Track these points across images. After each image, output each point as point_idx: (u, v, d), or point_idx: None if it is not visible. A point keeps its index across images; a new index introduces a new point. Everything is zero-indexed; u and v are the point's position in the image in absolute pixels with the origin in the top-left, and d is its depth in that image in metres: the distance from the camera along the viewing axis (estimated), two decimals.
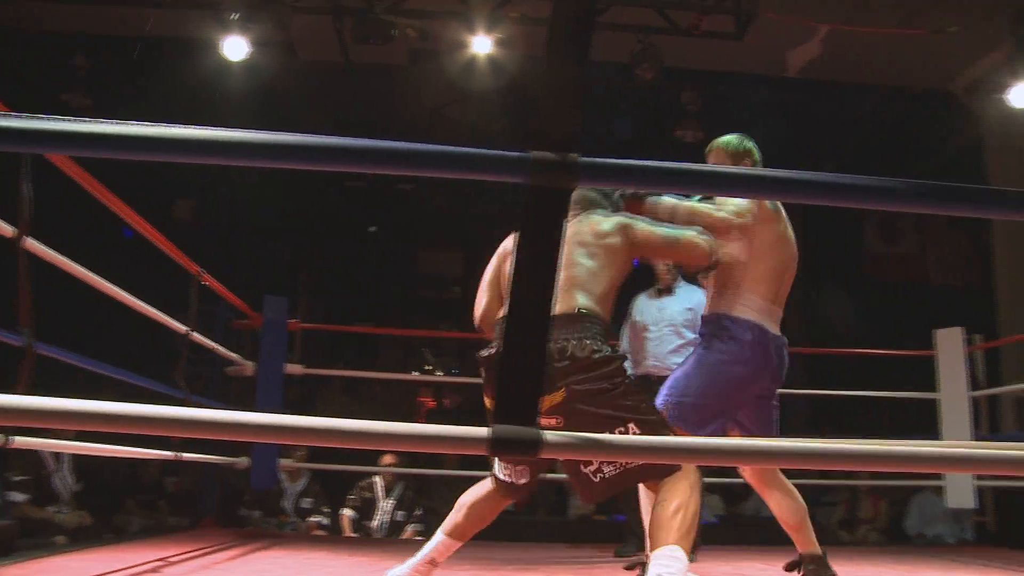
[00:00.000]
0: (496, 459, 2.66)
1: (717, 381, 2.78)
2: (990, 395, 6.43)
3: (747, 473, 2.98)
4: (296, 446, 5.55)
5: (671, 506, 2.38)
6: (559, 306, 2.49)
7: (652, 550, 2.36)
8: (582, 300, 2.56)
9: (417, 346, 10.50)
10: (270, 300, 5.22)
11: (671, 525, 2.35)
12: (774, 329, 2.85)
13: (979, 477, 5.54)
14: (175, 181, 8.95)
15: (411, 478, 6.38)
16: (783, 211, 2.88)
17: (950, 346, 5.72)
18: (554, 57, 1.27)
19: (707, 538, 4.84)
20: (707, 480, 6.16)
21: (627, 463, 2.43)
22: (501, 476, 2.66)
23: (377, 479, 6.20)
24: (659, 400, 2.80)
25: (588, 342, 2.45)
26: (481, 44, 6.57)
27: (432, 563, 2.71)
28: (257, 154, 1.15)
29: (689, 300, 4.43)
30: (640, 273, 3.61)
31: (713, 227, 2.73)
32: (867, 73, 7.76)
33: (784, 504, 2.84)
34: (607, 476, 2.44)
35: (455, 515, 2.74)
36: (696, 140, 7.19)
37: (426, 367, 10.43)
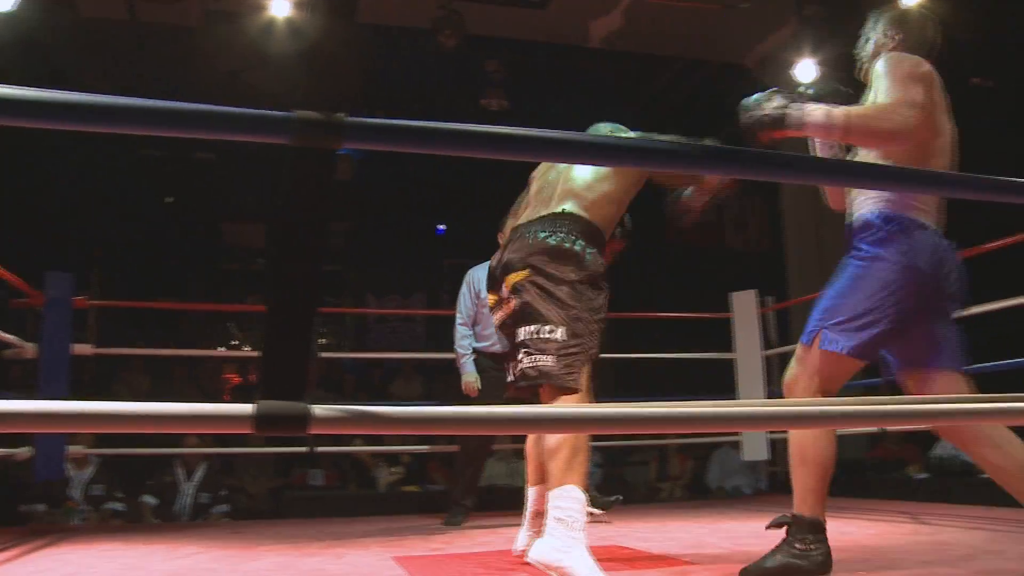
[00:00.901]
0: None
1: (876, 292, 2.39)
2: (781, 353, 6.85)
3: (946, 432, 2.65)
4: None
5: (563, 446, 2.50)
6: (545, 211, 2.80)
7: (548, 489, 2.50)
8: (567, 205, 2.77)
9: (223, 321, 10.14)
10: (52, 277, 4.86)
11: (565, 465, 2.49)
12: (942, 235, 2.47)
13: (772, 431, 5.90)
14: None
15: (215, 458, 6.15)
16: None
17: (744, 308, 6.03)
18: (321, 13, 1.21)
19: (521, 502, 4.91)
20: (520, 446, 6.25)
21: (534, 378, 2.61)
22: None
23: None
24: (811, 323, 2.48)
25: (561, 235, 2.67)
26: (280, 6, 6.32)
27: (540, 515, 2.79)
28: None
29: None
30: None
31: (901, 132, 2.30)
32: (667, 45, 8.02)
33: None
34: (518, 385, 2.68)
35: (530, 464, 2.98)
36: (501, 108, 7.22)
37: (233, 342, 10.09)
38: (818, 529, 2.45)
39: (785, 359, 7.53)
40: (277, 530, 4.55)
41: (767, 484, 6.79)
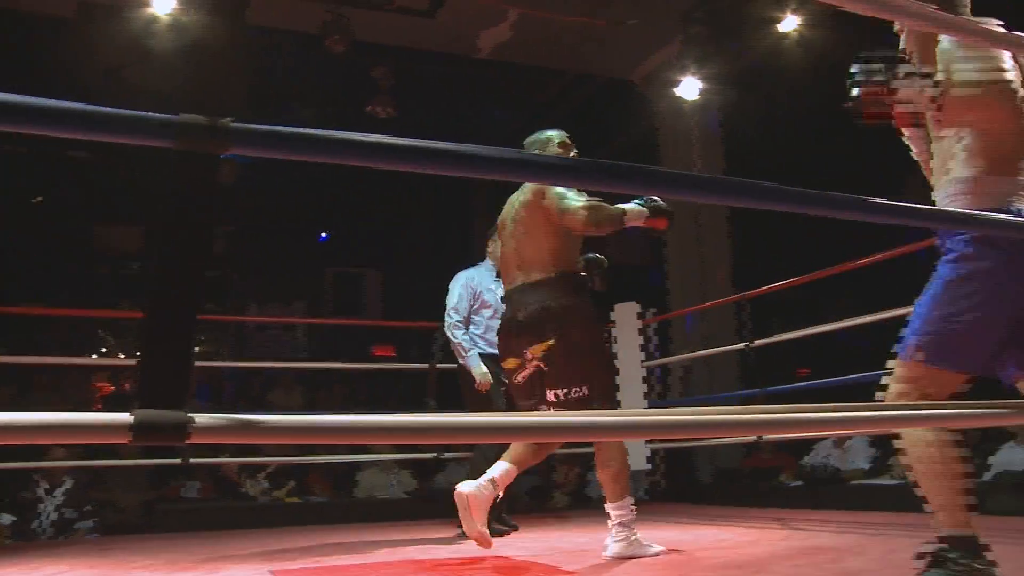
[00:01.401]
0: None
1: (962, 302, 2.07)
2: (662, 364, 7.02)
3: None
4: None
5: (612, 469, 3.14)
6: (523, 279, 3.21)
7: (609, 501, 3.17)
8: (535, 273, 3.16)
9: (93, 327, 9.71)
10: None
11: (617, 483, 3.15)
12: None
13: (651, 440, 6.03)
14: None
15: (82, 471, 5.87)
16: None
17: (626, 319, 6.16)
18: (207, 14, 1.18)
19: (401, 513, 4.89)
20: (400, 456, 6.22)
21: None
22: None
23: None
24: (908, 335, 2.16)
25: (553, 301, 3.10)
26: (161, 3, 6.11)
27: (494, 483, 3.06)
28: None
29: None
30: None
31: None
32: (555, 58, 8.13)
33: None
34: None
35: (516, 446, 3.18)
36: (388, 116, 7.18)
37: (104, 349, 9.68)
38: (977, 549, 2.03)
39: (666, 370, 7.73)
40: (149, 545, 4.38)
41: (647, 493, 6.93)
